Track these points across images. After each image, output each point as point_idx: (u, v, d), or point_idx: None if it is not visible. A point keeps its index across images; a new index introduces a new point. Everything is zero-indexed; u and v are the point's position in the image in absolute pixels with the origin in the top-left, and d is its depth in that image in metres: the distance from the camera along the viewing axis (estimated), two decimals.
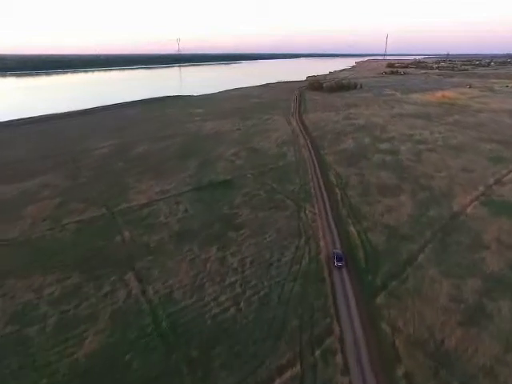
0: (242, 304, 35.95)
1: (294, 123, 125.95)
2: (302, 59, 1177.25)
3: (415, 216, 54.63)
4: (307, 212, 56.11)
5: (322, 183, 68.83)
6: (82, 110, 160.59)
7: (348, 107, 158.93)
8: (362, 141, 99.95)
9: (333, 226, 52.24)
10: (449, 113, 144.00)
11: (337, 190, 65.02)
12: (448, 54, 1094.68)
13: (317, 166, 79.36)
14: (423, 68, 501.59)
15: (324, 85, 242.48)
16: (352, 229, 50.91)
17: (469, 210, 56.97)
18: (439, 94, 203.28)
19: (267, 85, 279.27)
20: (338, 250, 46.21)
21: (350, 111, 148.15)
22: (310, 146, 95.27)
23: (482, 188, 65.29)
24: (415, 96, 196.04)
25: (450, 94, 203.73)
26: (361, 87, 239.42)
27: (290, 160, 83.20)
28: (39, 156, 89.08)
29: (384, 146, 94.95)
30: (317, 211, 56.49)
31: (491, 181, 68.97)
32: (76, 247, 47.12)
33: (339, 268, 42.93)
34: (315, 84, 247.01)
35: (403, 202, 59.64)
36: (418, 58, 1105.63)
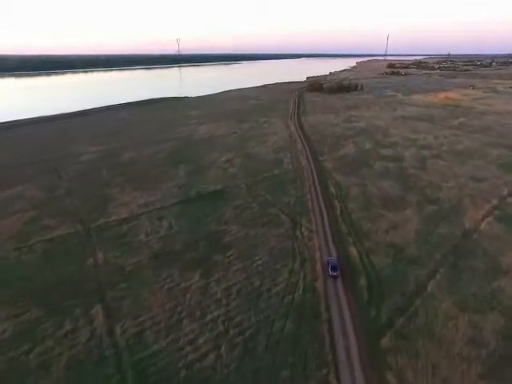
0: (223, 348, 30.53)
1: (292, 127, 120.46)
2: (303, 59, 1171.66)
3: (423, 234, 49.25)
4: (303, 229, 50.74)
5: (320, 194, 63.43)
6: (75, 112, 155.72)
7: (348, 109, 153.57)
8: (363, 146, 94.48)
9: (331, 245, 46.77)
10: (453, 115, 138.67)
11: (336, 203, 59.62)
12: (449, 55, 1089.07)
13: (315, 174, 73.90)
14: (424, 68, 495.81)
15: (324, 86, 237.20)
16: (353, 250, 45.58)
17: (482, 226, 51.50)
18: (442, 95, 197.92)
19: (266, 86, 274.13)
20: (333, 258, 42.94)
21: (350, 113, 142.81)
22: (308, 152, 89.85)
23: (495, 201, 59.78)
24: (417, 97, 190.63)
25: (453, 95, 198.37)
26: (361, 88, 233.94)
27: (286, 168, 77.79)
28: (21, 162, 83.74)
29: (386, 151, 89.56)
30: (314, 228, 51.11)
31: (505, 192, 63.46)
32: (42, 272, 41.63)
33: (334, 278, 39.87)
34: (315, 85, 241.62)
35: (409, 217, 54.30)
36: (418, 58, 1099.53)
